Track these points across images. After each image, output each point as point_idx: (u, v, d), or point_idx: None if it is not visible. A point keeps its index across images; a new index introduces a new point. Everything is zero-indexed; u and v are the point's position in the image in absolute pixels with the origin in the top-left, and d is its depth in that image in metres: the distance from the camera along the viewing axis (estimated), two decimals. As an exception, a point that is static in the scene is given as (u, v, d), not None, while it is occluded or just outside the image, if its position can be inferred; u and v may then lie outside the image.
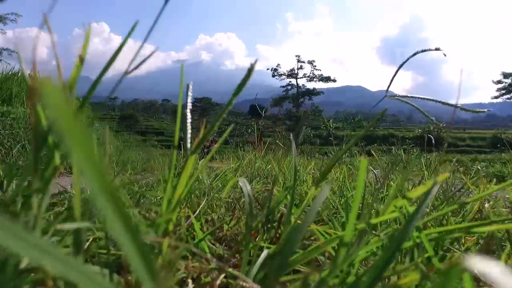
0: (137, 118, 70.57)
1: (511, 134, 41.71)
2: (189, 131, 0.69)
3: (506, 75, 39.76)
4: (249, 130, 70.50)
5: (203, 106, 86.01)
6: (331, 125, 47.46)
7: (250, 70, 0.48)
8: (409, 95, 0.78)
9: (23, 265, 0.44)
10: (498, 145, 37.51)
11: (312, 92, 36.55)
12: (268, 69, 38.26)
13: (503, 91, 40.64)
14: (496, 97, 41.82)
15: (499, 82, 40.49)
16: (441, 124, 46.88)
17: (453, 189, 1.51)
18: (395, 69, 0.86)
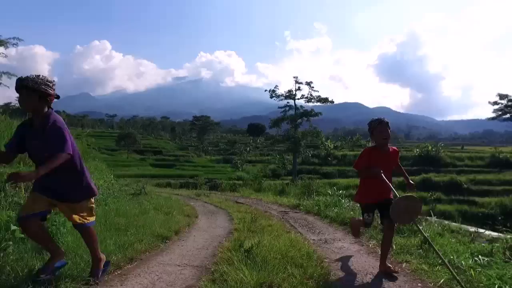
0: (135, 137, 70.21)
1: (508, 153, 41.65)
2: None
3: (501, 96, 40.10)
4: (248, 149, 70.37)
5: (201, 125, 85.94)
6: (329, 145, 47.40)
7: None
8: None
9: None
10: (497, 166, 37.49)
11: (310, 114, 36.58)
12: (266, 90, 38.35)
13: (500, 112, 40.88)
14: (493, 118, 42.00)
15: (495, 103, 40.81)
16: (439, 144, 46.97)
17: None
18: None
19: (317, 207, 8.67)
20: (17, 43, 25.98)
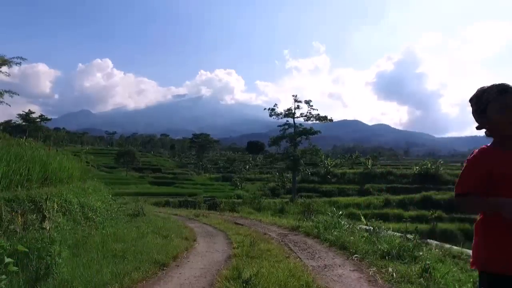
0: (134, 155, 70.03)
1: (509, 170, 41.48)
2: None
3: (499, 115, 40.48)
4: (247, 166, 70.10)
5: (201, 142, 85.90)
6: (329, 163, 47.31)
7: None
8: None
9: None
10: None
11: (309, 132, 36.67)
12: (265, 109, 38.57)
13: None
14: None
15: (493, 120, 41.16)
16: (438, 161, 46.91)
17: None
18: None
19: (316, 230, 8.58)
20: (20, 62, 26.42)
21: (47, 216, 4.64)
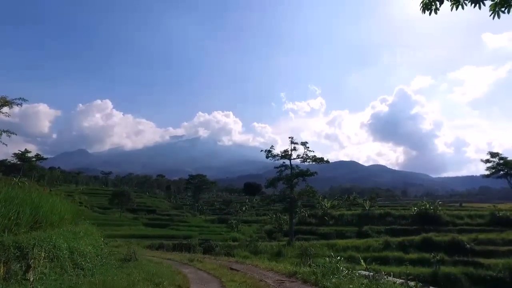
0: (129, 195, 68.98)
1: (509, 211, 41.21)
2: None
3: (493, 155, 41.20)
4: (244, 208, 69.16)
5: (197, 183, 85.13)
6: (326, 205, 46.72)
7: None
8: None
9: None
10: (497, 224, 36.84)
11: (305, 173, 36.62)
12: (262, 150, 38.79)
13: (493, 170, 41.60)
14: (487, 176, 42.59)
15: (487, 161, 41.71)
16: (437, 202, 46.54)
17: None
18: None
19: (314, 276, 8.27)
20: (21, 103, 26.81)
21: (32, 266, 4.45)
